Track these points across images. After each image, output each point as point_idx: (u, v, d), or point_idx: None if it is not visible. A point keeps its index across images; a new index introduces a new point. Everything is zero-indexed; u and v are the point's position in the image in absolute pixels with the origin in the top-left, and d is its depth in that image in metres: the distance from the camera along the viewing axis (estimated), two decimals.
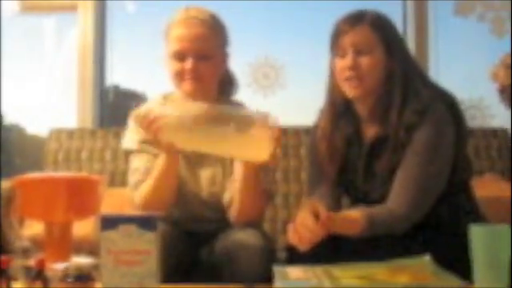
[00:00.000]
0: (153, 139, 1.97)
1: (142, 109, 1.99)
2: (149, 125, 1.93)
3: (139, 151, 2.18)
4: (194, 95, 2.16)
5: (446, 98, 2.00)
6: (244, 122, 1.88)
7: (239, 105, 2.31)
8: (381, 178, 1.98)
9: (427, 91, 1.98)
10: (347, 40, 1.99)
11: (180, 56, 2.13)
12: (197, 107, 1.97)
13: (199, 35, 2.13)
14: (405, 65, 2.01)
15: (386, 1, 3.79)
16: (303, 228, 1.79)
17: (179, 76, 2.15)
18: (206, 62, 2.14)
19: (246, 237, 2.00)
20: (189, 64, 2.12)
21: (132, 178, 2.18)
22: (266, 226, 2.82)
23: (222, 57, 2.24)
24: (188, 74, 2.13)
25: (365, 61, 1.97)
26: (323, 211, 1.80)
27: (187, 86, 2.15)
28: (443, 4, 3.85)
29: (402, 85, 1.97)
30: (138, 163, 2.17)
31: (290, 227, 1.83)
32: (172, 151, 2.00)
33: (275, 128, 1.88)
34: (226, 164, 2.20)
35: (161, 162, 2.05)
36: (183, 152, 2.06)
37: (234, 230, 2.08)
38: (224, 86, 2.30)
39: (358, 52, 1.97)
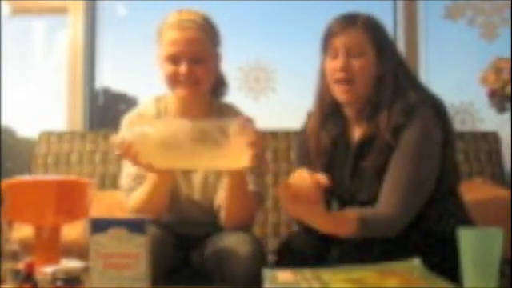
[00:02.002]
0: (133, 163, 1.94)
1: (117, 137, 1.96)
2: (126, 151, 1.90)
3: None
4: (189, 99, 2.18)
5: (433, 100, 2.01)
6: (219, 133, 1.86)
7: (231, 107, 2.31)
8: (368, 179, 1.98)
9: (414, 93, 1.98)
10: (339, 41, 1.99)
11: (174, 59, 2.12)
12: (171, 125, 1.97)
13: (193, 38, 2.13)
14: (395, 67, 2.02)
15: (377, 3, 3.80)
16: (298, 179, 1.76)
17: (173, 80, 2.14)
18: (200, 64, 2.13)
19: (236, 241, 1.99)
20: (183, 68, 2.11)
21: (124, 183, 2.19)
22: (256, 230, 2.82)
23: (216, 58, 2.24)
24: (182, 78, 2.12)
25: (356, 63, 1.98)
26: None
27: (182, 90, 2.15)
28: (433, 8, 3.87)
29: (391, 87, 1.98)
30: (129, 168, 2.17)
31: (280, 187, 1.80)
32: (154, 171, 1.98)
33: (251, 133, 1.86)
34: None
35: (150, 180, 2.06)
36: (164, 170, 2.03)
37: (225, 234, 2.08)
38: (216, 87, 2.31)
39: (350, 54, 1.98)
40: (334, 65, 2.00)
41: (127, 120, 2.25)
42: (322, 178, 1.75)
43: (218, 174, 2.19)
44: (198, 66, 2.13)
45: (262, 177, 2.27)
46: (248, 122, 1.88)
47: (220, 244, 2.02)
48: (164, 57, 2.15)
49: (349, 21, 2.01)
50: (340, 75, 1.98)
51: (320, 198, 1.77)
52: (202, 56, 2.14)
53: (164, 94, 2.30)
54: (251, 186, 2.14)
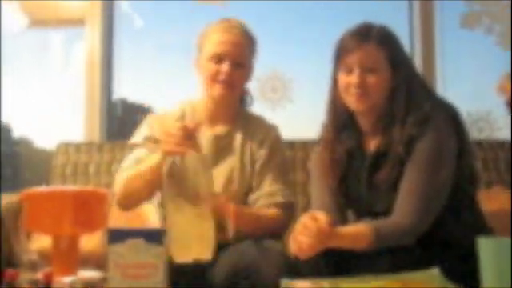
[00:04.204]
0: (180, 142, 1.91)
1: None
2: (190, 133, 1.92)
3: (140, 145, 2.24)
4: (222, 100, 2.26)
5: (447, 108, 2.01)
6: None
7: (257, 117, 2.38)
8: (384, 190, 1.98)
9: (428, 102, 1.98)
10: (354, 58, 1.99)
11: (218, 58, 2.21)
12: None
13: (238, 42, 2.23)
14: (409, 79, 2.01)
15: (393, 13, 3.80)
16: (302, 234, 1.79)
17: (213, 78, 2.21)
18: (240, 69, 2.23)
19: (255, 256, 1.96)
20: (225, 66, 2.19)
21: (123, 164, 2.23)
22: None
23: (251, 68, 2.32)
24: (222, 77, 2.20)
25: (371, 79, 1.98)
26: (322, 216, 1.81)
27: (219, 89, 2.22)
28: (450, 17, 3.86)
29: (405, 99, 1.98)
30: (132, 154, 2.23)
31: (290, 237, 1.83)
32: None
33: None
34: (244, 161, 2.25)
35: (153, 159, 2.04)
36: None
37: (243, 248, 2.03)
38: (243, 97, 2.39)
39: (365, 70, 1.98)
40: (349, 80, 2.00)
41: (147, 122, 2.32)
42: (323, 218, 1.81)
43: (243, 170, 2.24)
44: (237, 70, 2.22)
45: (289, 186, 2.28)
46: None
47: (238, 260, 1.98)
48: (209, 55, 2.23)
49: (362, 36, 2.00)
50: (355, 91, 1.99)
51: (328, 224, 1.80)
52: (242, 61, 2.24)
53: (190, 99, 2.37)
54: (278, 198, 2.18)
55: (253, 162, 2.25)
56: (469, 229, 1.93)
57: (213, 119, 2.30)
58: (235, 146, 2.27)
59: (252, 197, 2.22)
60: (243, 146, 2.27)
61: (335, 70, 2.07)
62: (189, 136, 1.91)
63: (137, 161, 2.18)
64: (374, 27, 2.03)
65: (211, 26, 2.28)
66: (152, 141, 2.21)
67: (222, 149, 2.26)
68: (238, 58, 2.22)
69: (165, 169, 1.92)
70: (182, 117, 2.30)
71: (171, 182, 1.86)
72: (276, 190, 2.20)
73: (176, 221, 1.78)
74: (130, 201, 2.18)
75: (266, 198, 2.20)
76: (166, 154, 1.93)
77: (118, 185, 2.18)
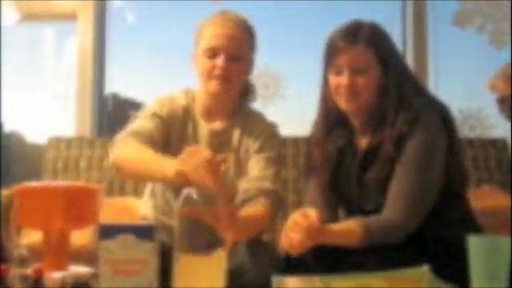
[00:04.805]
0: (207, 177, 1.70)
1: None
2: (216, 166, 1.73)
3: (144, 117, 2.21)
4: (219, 95, 2.23)
5: (438, 106, 2.01)
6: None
7: (256, 114, 2.36)
8: (374, 189, 1.99)
9: (419, 100, 1.99)
10: (343, 59, 1.99)
11: (213, 53, 2.18)
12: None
13: (233, 35, 2.19)
14: (399, 77, 2.02)
15: (385, 11, 3.80)
16: (293, 230, 1.80)
17: (209, 74, 2.19)
18: (236, 63, 2.19)
19: (242, 262, 1.95)
20: (220, 61, 2.16)
21: (129, 127, 2.19)
22: (265, 236, 2.81)
23: (250, 62, 2.29)
24: (218, 72, 2.17)
25: (361, 80, 1.98)
26: (313, 212, 1.81)
27: (214, 85, 2.19)
28: (442, 15, 3.87)
29: (395, 97, 1.98)
30: (137, 123, 2.20)
31: (282, 234, 1.83)
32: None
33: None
34: (239, 155, 2.24)
35: (167, 168, 1.87)
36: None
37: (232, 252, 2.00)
38: (244, 92, 2.36)
39: (354, 71, 1.98)
40: (339, 81, 2.01)
41: (158, 101, 2.29)
42: (313, 214, 1.81)
43: (238, 170, 2.22)
44: (234, 63, 2.18)
45: (281, 180, 2.26)
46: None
47: (228, 259, 1.95)
48: (203, 49, 2.20)
49: (351, 36, 2.00)
50: (345, 92, 1.99)
51: (319, 221, 1.80)
52: (239, 54, 2.20)
53: (192, 89, 2.34)
54: (267, 184, 2.14)
55: (247, 155, 2.24)
56: (459, 227, 1.94)
57: (210, 114, 2.28)
58: (233, 143, 2.26)
59: (241, 182, 2.18)
60: (240, 142, 2.26)
61: (325, 69, 2.07)
62: (212, 170, 1.68)
63: (143, 134, 2.13)
64: (364, 26, 2.03)
65: (206, 20, 2.26)
66: (159, 118, 2.20)
67: (219, 145, 2.24)
68: (233, 52, 2.18)
69: (179, 202, 1.58)
70: (187, 105, 2.28)
71: (183, 219, 1.54)
72: (266, 175, 2.16)
73: (183, 265, 1.53)
74: (134, 175, 2.22)
75: (254, 183, 2.15)
76: (178, 174, 1.77)
77: (123, 153, 2.09)
